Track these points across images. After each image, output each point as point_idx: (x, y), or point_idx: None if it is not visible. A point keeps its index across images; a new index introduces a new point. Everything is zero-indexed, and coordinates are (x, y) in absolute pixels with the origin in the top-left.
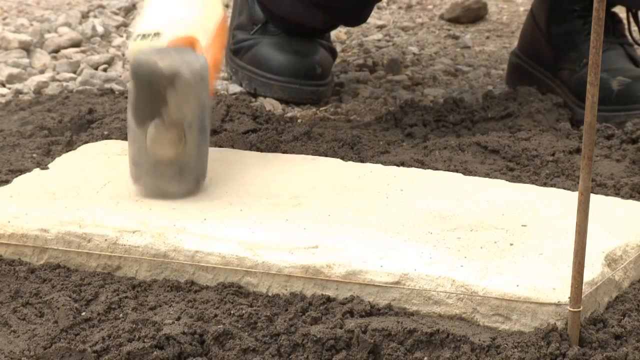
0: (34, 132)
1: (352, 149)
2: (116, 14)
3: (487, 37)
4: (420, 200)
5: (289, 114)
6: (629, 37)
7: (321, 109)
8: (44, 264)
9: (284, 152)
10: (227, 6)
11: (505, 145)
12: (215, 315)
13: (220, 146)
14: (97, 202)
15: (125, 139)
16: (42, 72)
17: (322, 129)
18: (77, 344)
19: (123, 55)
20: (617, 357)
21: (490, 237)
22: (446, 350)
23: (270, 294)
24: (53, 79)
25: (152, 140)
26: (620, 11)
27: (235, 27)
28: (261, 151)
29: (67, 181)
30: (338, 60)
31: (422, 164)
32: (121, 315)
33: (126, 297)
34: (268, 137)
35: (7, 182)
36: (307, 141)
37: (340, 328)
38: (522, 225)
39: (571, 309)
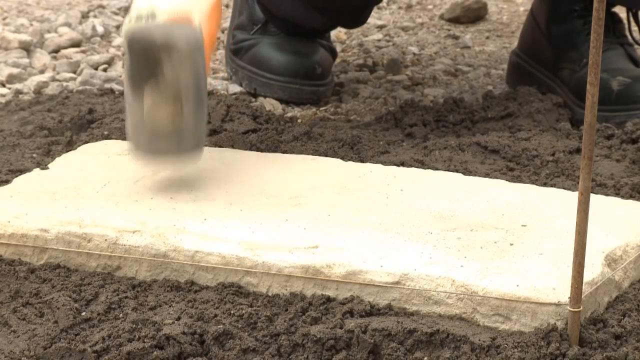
0: (34, 132)
1: (352, 149)
2: (116, 14)
3: (487, 37)
4: (420, 200)
5: (289, 114)
6: (629, 37)
7: (321, 109)
8: (44, 264)
9: (284, 152)
10: (226, 6)
11: (505, 145)
12: (215, 315)
13: (220, 146)
14: (97, 202)
15: (124, 138)
16: (42, 72)
17: (322, 129)
18: (77, 344)
19: (123, 55)
20: (617, 357)
21: (490, 237)
22: (446, 350)
23: (270, 294)
24: (53, 79)
25: (150, 110)
26: (620, 11)
27: (235, 27)
28: (261, 151)
29: (67, 181)
30: (338, 60)
31: (422, 164)
32: (121, 315)
33: (126, 297)
34: (268, 137)
35: (7, 182)
36: (307, 141)
37: (340, 328)
38: (522, 225)
39: (571, 309)
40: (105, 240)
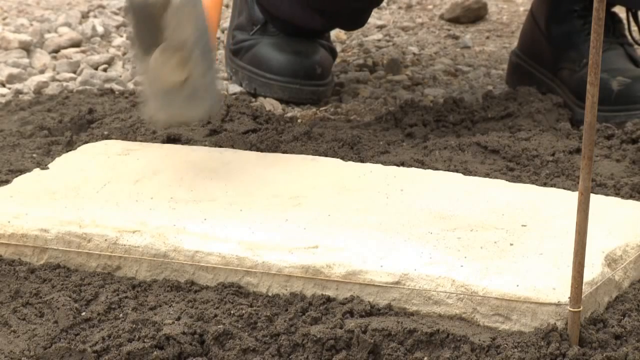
0: (34, 132)
1: (352, 149)
2: (116, 14)
3: (487, 37)
4: (420, 200)
5: (289, 114)
6: (629, 37)
7: (321, 109)
8: (44, 264)
9: (284, 152)
10: (226, 6)
11: (505, 145)
12: (215, 315)
13: (220, 146)
14: (97, 202)
15: (125, 138)
16: (42, 72)
17: (322, 129)
18: (77, 344)
19: (123, 55)
20: (617, 357)
21: (490, 237)
22: (446, 350)
23: (270, 294)
24: (53, 79)
25: (159, 68)
26: (620, 11)
27: (234, 27)
28: (261, 151)
29: (67, 181)
30: (338, 60)
31: (422, 164)
32: (121, 315)
33: (126, 297)
34: (268, 137)
35: (7, 182)
36: (307, 141)
37: (340, 328)
38: (522, 225)
39: (571, 309)
40: (105, 240)
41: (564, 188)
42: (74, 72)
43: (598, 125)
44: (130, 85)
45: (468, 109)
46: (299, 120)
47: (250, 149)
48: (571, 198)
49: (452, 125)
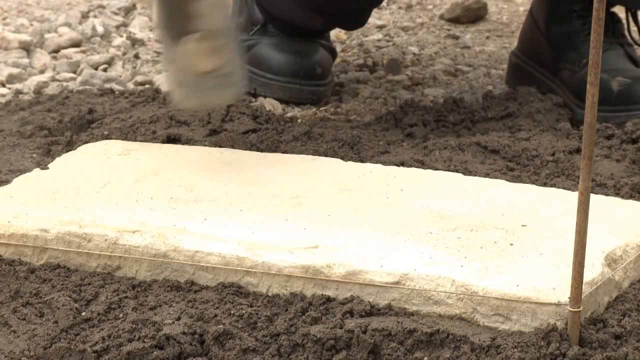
0: (34, 132)
1: (352, 149)
2: (116, 14)
3: (487, 37)
4: (420, 200)
5: (289, 114)
6: (629, 37)
7: (321, 109)
8: (44, 264)
9: (284, 152)
10: None
11: (505, 145)
12: (215, 315)
13: (220, 146)
14: (97, 202)
15: (125, 138)
16: (42, 72)
17: (322, 129)
18: (77, 344)
19: (123, 55)
20: (617, 357)
21: (490, 237)
22: (446, 350)
23: (270, 294)
24: (53, 79)
25: (191, 56)
26: (620, 11)
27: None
28: (261, 151)
29: (67, 181)
30: (338, 60)
31: (422, 164)
32: (121, 315)
33: (126, 297)
34: (268, 137)
35: (7, 182)
36: (307, 141)
37: (340, 328)
38: (522, 225)
39: (571, 309)
40: (105, 240)
41: (564, 188)
42: (74, 72)
43: (598, 125)
44: (130, 85)
45: (468, 109)
46: (299, 120)
47: (250, 149)
48: (571, 198)
49: (452, 125)
